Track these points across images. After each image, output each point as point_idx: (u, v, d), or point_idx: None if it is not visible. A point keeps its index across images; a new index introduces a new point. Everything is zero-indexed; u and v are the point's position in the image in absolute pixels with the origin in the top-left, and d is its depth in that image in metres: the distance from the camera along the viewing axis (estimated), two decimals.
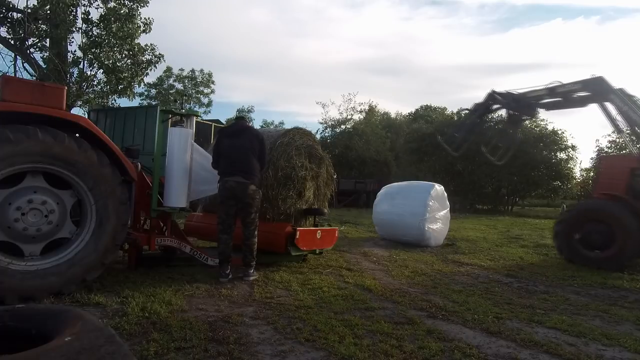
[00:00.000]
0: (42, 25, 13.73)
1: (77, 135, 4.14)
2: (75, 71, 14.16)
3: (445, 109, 39.17)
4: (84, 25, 13.73)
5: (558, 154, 25.06)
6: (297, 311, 3.96)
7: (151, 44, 14.75)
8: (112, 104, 16.88)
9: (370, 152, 29.37)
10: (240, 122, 5.61)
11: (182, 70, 34.99)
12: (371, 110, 34.88)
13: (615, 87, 7.46)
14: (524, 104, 8.62)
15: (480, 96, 11.53)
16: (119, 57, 14.29)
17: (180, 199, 5.15)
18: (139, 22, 14.29)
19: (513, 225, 15.24)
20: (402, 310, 4.21)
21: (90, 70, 14.19)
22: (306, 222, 6.56)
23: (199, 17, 70.41)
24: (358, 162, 29.49)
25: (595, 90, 7.61)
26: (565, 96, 8.04)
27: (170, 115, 5.76)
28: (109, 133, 11.86)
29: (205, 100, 35.93)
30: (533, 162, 24.16)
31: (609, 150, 27.46)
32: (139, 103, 29.05)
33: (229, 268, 5.09)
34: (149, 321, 3.45)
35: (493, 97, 8.88)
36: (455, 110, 32.10)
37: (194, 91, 35.34)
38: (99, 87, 14.72)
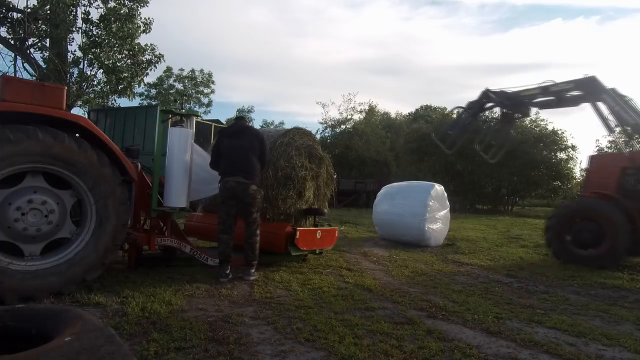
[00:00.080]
0: (42, 25, 13.73)
1: (77, 135, 4.14)
2: (75, 71, 14.19)
3: (445, 109, 39.08)
4: (84, 25, 13.75)
5: (558, 154, 25.06)
6: (297, 311, 3.96)
7: (151, 44, 14.79)
8: (112, 104, 16.91)
9: (370, 152, 29.38)
10: (240, 122, 5.61)
11: (182, 70, 35.07)
12: (371, 110, 34.89)
13: (608, 87, 7.49)
14: (517, 103, 8.65)
15: None
16: (119, 57, 14.32)
17: (180, 199, 5.15)
18: (139, 22, 14.31)
19: (513, 225, 15.24)
20: (402, 310, 4.21)
21: (90, 70, 14.22)
22: (306, 222, 6.56)
23: (199, 17, 70.48)
24: (358, 162, 29.49)
25: (587, 90, 7.65)
26: (558, 95, 8.07)
27: (170, 115, 5.76)
28: (109, 133, 11.86)
29: (205, 100, 36.01)
30: (533, 162, 24.16)
31: (609, 151, 27.46)
32: (139, 103, 29.09)
33: (229, 268, 5.09)
34: (149, 321, 3.45)
35: (487, 96, 8.90)
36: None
37: (194, 91, 35.37)
38: (99, 87, 14.75)
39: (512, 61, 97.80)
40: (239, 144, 5.23)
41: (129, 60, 14.50)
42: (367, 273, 6.00)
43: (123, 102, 26.13)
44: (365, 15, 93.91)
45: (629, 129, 7.38)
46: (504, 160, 23.52)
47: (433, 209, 9.19)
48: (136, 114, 12.65)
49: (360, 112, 33.74)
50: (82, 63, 14.04)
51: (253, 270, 5.24)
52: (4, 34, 13.66)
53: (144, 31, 14.44)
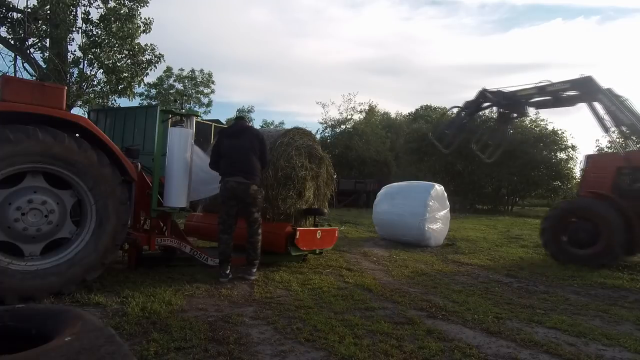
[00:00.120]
0: (42, 25, 13.72)
1: (77, 135, 4.14)
2: (75, 71, 14.18)
3: (445, 109, 39.11)
4: (84, 25, 13.74)
5: (558, 154, 25.07)
6: (297, 311, 3.96)
7: (151, 44, 14.78)
8: (112, 104, 16.89)
9: (370, 152, 29.38)
10: (240, 123, 5.61)
11: (182, 70, 35.04)
12: (371, 110, 34.90)
13: (604, 87, 7.51)
14: (514, 103, 8.67)
15: None
16: (119, 57, 14.31)
17: (180, 199, 5.15)
18: (139, 22, 14.30)
19: (513, 225, 15.24)
20: (402, 310, 4.21)
21: (90, 70, 14.21)
22: (306, 222, 6.56)
23: (199, 17, 70.48)
24: (358, 162, 29.49)
25: (584, 90, 7.68)
26: (554, 95, 8.09)
27: (170, 115, 5.76)
28: (109, 133, 11.86)
29: (205, 100, 35.98)
30: (533, 162, 24.17)
31: (610, 150, 27.46)
32: (139, 103, 29.09)
33: (229, 268, 5.09)
34: (149, 321, 3.45)
35: (484, 95, 8.91)
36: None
37: (194, 91, 35.34)
38: (99, 87, 14.74)
39: (512, 61, 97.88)
40: (239, 144, 5.23)
41: (129, 60, 14.50)
42: (367, 273, 6.00)
43: (123, 102, 26.13)
44: (365, 15, 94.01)
45: (624, 129, 7.41)
46: (504, 160, 23.64)
47: (433, 209, 9.19)
48: (136, 114, 12.65)
49: (360, 112, 33.79)
50: (82, 63, 14.04)
51: (254, 270, 5.25)
52: (4, 34, 13.67)
53: (144, 31, 14.44)
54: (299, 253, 6.02)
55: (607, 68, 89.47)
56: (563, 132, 24.91)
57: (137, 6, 14.25)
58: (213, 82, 36.17)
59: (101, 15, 13.77)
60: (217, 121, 15.22)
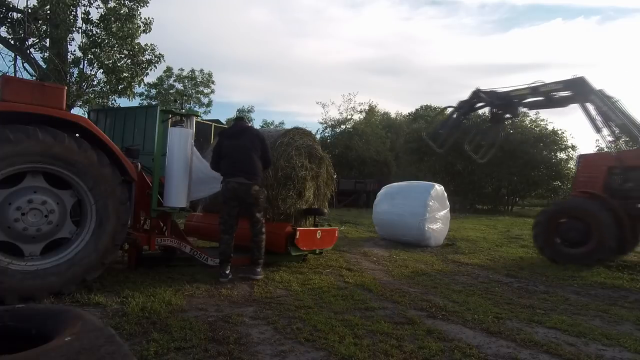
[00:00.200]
0: (42, 25, 13.73)
1: (77, 135, 4.14)
2: (75, 71, 14.18)
3: (447, 108, 39.05)
4: (84, 25, 13.74)
5: (558, 154, 25.09)
6: (297, 311, 3.96)
7: (151, 44, 14.79)
8: (112, 104, 16.89)
9: (370, 152, 29.38)
10: (239, 123, 5.62)
11: (182, 70, 35.02)
12: (371, 110, 34.90)
13: (596, 88, 7.54)
14: (507, 103, 8.69)
15: None
16: (119, 57, 14.31)
17: (180, 199, 5.15)
18: (139, 22, 14.31)
19: (513, 225, 15.23)
20: (402, 310, 4.21)
21: (90, 70, 14.22)
22: (306, 222, 6.56)
23: (199, 17, 70.51)
24: (358, 162, 29.50)
25: (576, 90, 7.72)
26: (547, 96, 8.11)
27: (170, 115, 5.76)
28: (109, 133, 11.86)
29: (205, 100, 35.96)
30: (533, 162, 24.19)
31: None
32: (139, 103, 29.08)
33: (229, 268, 5.09)
34: (149, 321, 3.45)
35: (477, 95, 8.93)
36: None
37: (194, 91, 35.32)
38: (99, 87, 14.75)
39: (512, 61, 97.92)
40: (240, 144, 5.24)
41: (129, 60, 14.51)
42: (367, 273, 6.00)
43: (123, 102, 26.13)
44: (365, 15, 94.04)
45: (616, 129, 7.45)
46: (504, 160, 23.68)
47: (433, 209, 9.19)
48: (136, 114, 12.65)
49: (360, 112, 33.80)
50: (82, 63, 14.05)
51: (259, 269, 5.25)
52: (4, 34, 13.67)
53: (144, 31, 14.45)
54: (299, 253, 6.02)
55: (607, 68, 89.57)
56: (563, 132, 24.98)
57: (137, 6, 14.26)
58: (213, 82, 36.21)
59: (101, 15, 13.78)
60: (217, 121, 15.23)
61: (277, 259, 6.12)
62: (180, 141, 5.17)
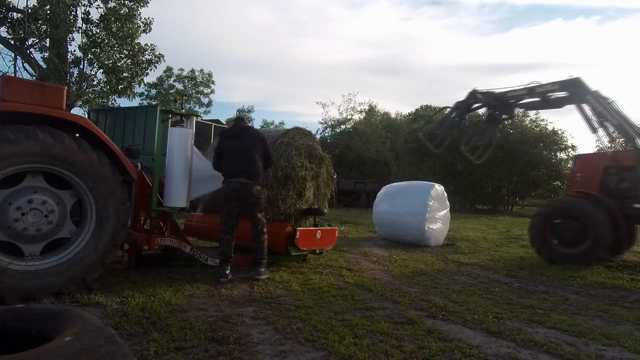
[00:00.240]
0: (42, 25, 13.73)
1: (77, 135, 4.14)
2: (75, 71, 14.18)
3: (445, 109, 39.02)
4: (84, 25, 13.75)
5: (558, 154, 25.11)
6: (297, 311, 3.96)
7: (151, 44, 14.80)
8: (112, 104, 16.89)
9: (370, 152, 29.38)
10: (240, 124, 5.63)
11: (182, 70, 35.00)
12: (371, 110, 34.89)
13: (592, 89, 7.58)
14: (503, 104, 8.71)
15: None
16: (119, 57, 14.31)
17: (180, 199, 5.15)
18: (139, 22, 14.32)
19: (513, 225, 15.23)
20: (402, 310, 4.21)
21: (90, 70, 14.22)
22: (306, 222, 6.55)
23: (199, 17, 70.49)
24: (358, 162, 29.49)
25: (572, 91, 7.76)
26: (543, 97, 8.14)
27: (170, 115, 5.76)
28: (109, 133, 11.86)
29: (205, 100, 35.95)
30: (533, 162, 24.20)
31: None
32: (139, 103, 29.07)
33: (229, 268, 5.09)
34: (149, 321, 3.45)
35: (474, 96, 8.95)
36: None
37: (194, 91, 35.32)
38: (99, 87, 14.75)
39: (512, 61, 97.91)
40: (241, 144, 5.24)
41: (129, 60, 14.51)
42: (367, 273, 6.00)
43: (123, 102, 26.10)
44: (365, 15, 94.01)
45: (612, 129, 7.48)
46: (504, 160, 23.68)
47: (433, 209, 9.19)
48: (136, 114, 12.65)
49: (360, 112, 33.78)
50: (82, 63, 14.05)
51: (263, 269, 5.26)
52: (4, 34, 13.67)
53: (144, 31, 14.45)
54: (299, 253, 6.03)
55: (607, 68, 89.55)
56: (563, 132, 25.01)
57: (137, 6, 14.26)
58: (213, 82, 36.19)
59: (101, 15, 13.78)
60: (217, 121, 15.23)
61: (277, 259, 6.12)
62: (180, 141, 5.17)
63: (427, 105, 41.84)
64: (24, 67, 13.66)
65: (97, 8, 14.00)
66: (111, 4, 13.94)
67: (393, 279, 5.78)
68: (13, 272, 3.69)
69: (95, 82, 14.47)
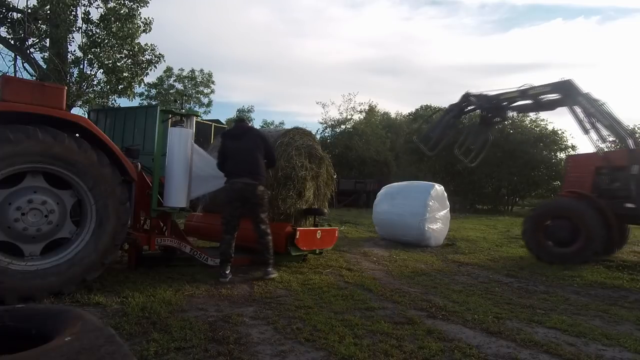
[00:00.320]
0: (42, 25, 13.73)
1: (77, 135, 4.14)
2: (75, 71, 14.19)
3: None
4: (84, 25, 13.75)
5: (558, 154, 25.10)
6: (297, 311, 3.96)
7: (151, 44, 14.81)
8: (112, 104, 16.90)
9: (370, 152, 29.38)
10: (241, 125, 5.65)
11: (182, 70, 35.01)
12: (371, 110, 34.87)
13: (583, 91, 7.66)
14: (496, 106, 8.73)
15: None
16: (119, 57, 14.32)
17: (180, 199, 5.15)
18: (139, 22, 14.32)
19: (513, 225, 15.22)
20: (402, 310, 4.21)
21: (90, 70, 14.22)
22: (306, 222, 6.56)
23: (199, 17, 70.49)
24: (358, 162, 29.49)
25: (564, 93, 7.82)
26: (535, 99, 8.16)
27: (170, 115, 5.76)
28: (109, 133, 11.86)
29: (205, 100, 35.96)
30: (533, 162, 24.20)
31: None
32: (139, 103, 29.07)
33: (230, 268, 5.09)
34: (149, 321, 3.45)
35: (467, 99, 8.97)
36: None
37: (194, 91, 35.33)
38: (99, 87, 14.76)
39: (512, 61, 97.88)
40: (244, 145, 5.26)
41: (129, 60, 14.52)
42: (367, 273, 6.00)
43: (123, 102, 26.14)
44: (365, 15, 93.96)
45: (604, 131, 7.54)
46: (504, 160, 23.67)
47: (433, 209, 9.19)
48: (136, 114, 12.66)
49: (360, 112, 33.77)
50: (82, 63, 14.06)
51: (271, 269, 5.27)
52: (4, 34, 13.68)
53: (144, 31, 14.46)
54: (299, 253, 6.03)
55: (607, 68, 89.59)
56: (563, 132, 25.00)
57: (137, 6, 14.26)
58: (213, 82, 36.20)
59: (101, 15, 13.79)
60: (217, 121, 15.23)
61: (277, 259, 6.10)
62: (180, 141, 5.17)
63: (427, 105, 41.74)
64: (24, 67, 13.69)
65: (97, 8, 14.03)
66: (111, 4, 13.95)
67: (393, 279, 5.78)
68: (13, 272, 3.69)
69: (95, 82, 14.49)
